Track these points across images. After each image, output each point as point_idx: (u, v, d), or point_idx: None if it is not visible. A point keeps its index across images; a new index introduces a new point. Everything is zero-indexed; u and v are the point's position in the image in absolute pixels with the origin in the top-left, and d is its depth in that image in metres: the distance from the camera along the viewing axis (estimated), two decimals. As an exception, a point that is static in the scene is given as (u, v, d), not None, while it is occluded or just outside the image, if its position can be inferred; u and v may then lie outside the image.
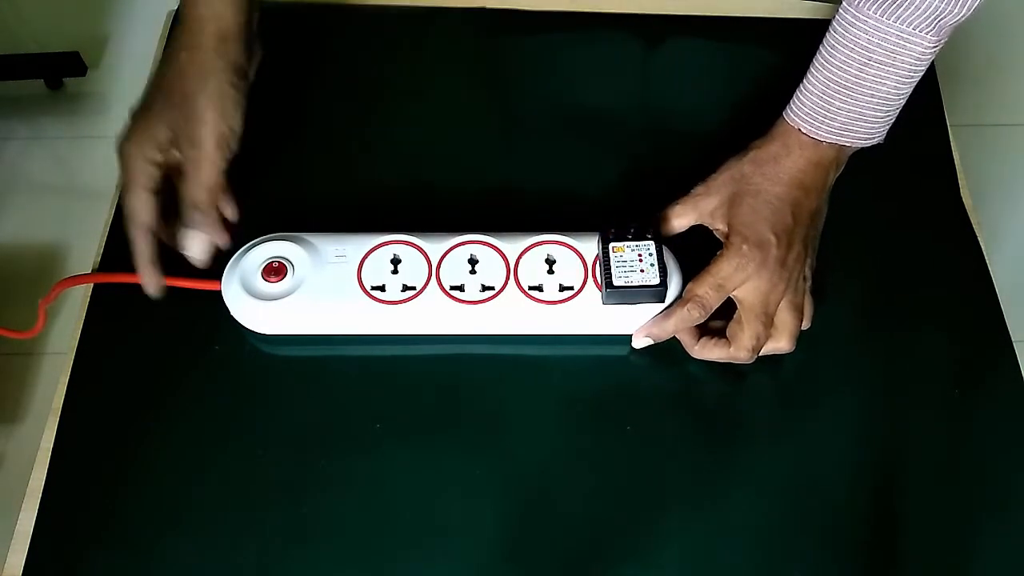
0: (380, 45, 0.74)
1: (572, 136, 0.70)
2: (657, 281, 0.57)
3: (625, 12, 0.76)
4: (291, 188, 0.67)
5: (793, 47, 0.65)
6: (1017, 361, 0.61)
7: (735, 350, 0.58)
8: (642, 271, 0.57)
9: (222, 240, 0.58)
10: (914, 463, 0.58)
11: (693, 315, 0.57)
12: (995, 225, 1.43)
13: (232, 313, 0.59)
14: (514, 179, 0.67)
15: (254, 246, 0.60)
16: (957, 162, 0.70)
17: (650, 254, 0.58)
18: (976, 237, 0.66)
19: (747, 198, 0.58)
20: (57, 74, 1.58)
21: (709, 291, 0.57)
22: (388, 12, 0.76)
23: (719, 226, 0.59)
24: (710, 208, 0.59)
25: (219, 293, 0.59)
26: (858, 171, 0.61)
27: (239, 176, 0.60)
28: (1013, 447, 0.59)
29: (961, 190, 0.69)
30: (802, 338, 0.61)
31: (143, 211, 0.57)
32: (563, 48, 0.75)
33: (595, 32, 0.75)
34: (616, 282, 0.57)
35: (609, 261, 0.58)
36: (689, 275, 0.59)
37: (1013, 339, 0.62)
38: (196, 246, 0.57)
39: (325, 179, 0.67)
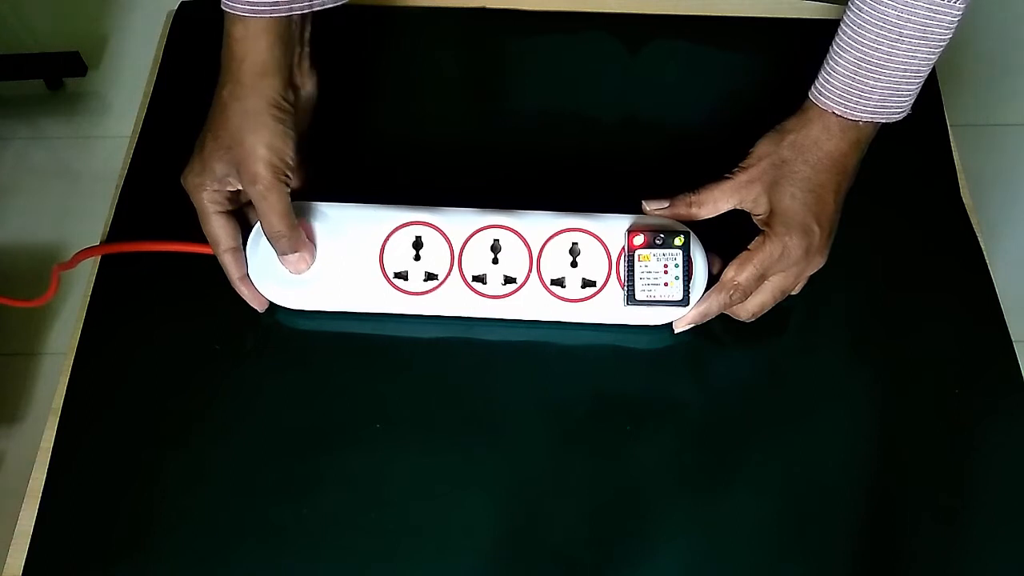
0: (381, 44, 0.74)
1: (572, 135, 0.70)
2: (680, 296, 0.57)
3: (625, 12, 0.76)
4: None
5: (793, 47, 0.65)
6: (1017, 361, 0.61)
7: (739, 308, 0.59)
8: (666, 284, 0.57)
9: (312, 253, 0.59)
10: (914, 463, 0.58)
11: (734, 300, 0.58)
12: (995, 225, 1.43)
13: (254, 284, 0.60)
14: (513, 168, 0.68)
15: None
16: (957, 162, 0.70)
17: (676, 265, 0.57)
18: (976, 237, 0.66)
19: (789, 186, 0.58)
20: (57, 74, 1.58)
21: (751, 279, 0.57)
22: (389, 12, 0.76)
23: (759, 212, 0.59)
24: (753, 195, 0.59)
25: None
26: (859, 171, 0.61)
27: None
28: (1013, 447, 0.59)
29: (961, 190, 0.69)
30: (803, 338, 0.61)
31: (224, 235, 0.59)
32: (563, 48, 0.75)
33: (595, 32, 0.75)
34: (639, 296, 0.57)
35: (633, 270, 0.58)
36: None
37: (1013, 339, 0.62)
38: (295, 266, 0.59)
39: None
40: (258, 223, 0.59)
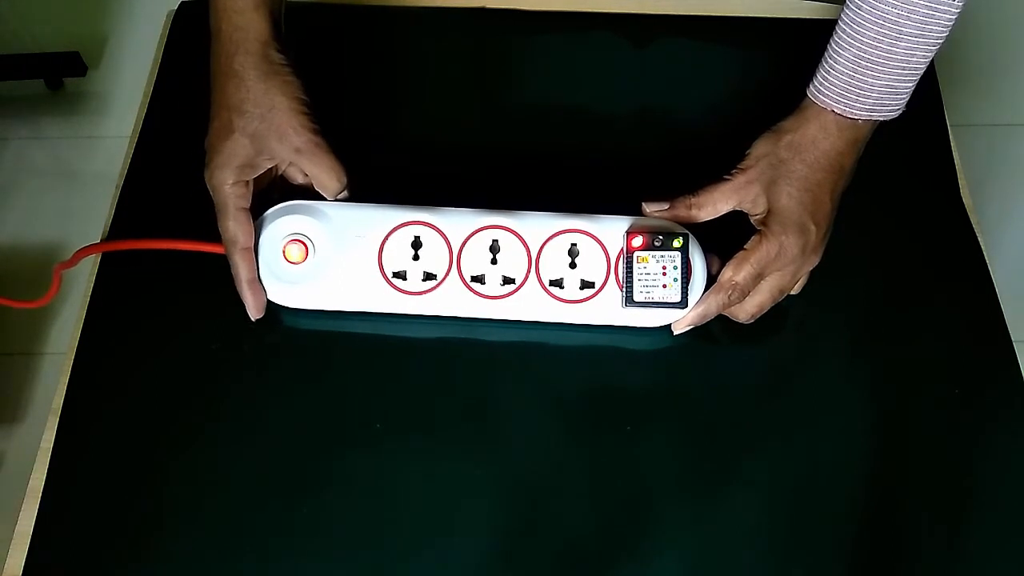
0: (380, 44, 0.74)
1: (571, 135, 0.70)
2: (679, 298, 0.57)
3: (625, 12, 0.76)
4: None
5: (793, 47, 0.65)
6: (1017, 361, 0.61)
7: (738, 309, 0.59)
8: (664, 286, 0.57)
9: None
10: (914, 463, 0.58)
11: (732, 300, 0.58)
12: (995, 225, 1.43)
13: None
14: (512, 168, 0.68)
15: (277, 216, 0.60)
16: (957, 162, 0.70)
17: (675, 267, 0.57)
18: (976, 237, 0.66)
19: (786, 185, 0.58)
20: (57, 74, 1.57)
21: (748, 278, 0.57)
22: (389, 12, 0.76)
23: (758, 212, 0.59)
24: (752, 196, 0.59)
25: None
26: (858, 171, 0.61)
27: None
28: (1013, 447, 0.59)
29: (961, 190, 0.69)
30: (802, 339, 0.61)
31: (242, 233, 0.58)
32: (563, 48, 0.75)
33: (595, 32, 0.75)
34: (637, 297, 0.57)
35: (632, 272, 0.58)
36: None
37: (1013, 339, 0.62)
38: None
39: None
40: (259, 221, 0.59)
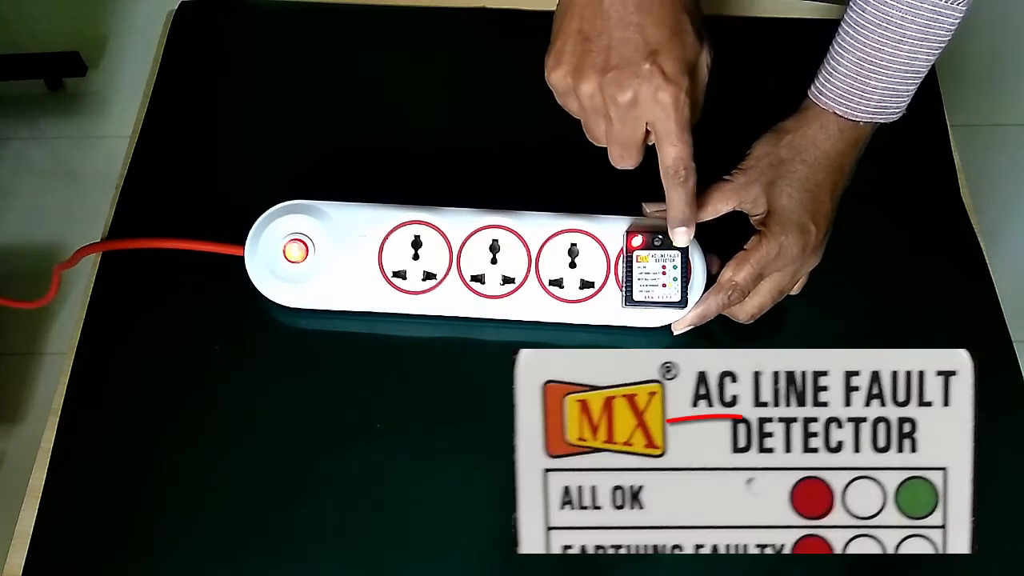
0: (381, 44, 0.74)
1: (572, 136, 0.70)
2: (678, 298, 0.57)
3: (625, 12, 0.76)
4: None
5: (793, 47, 0.65)
6: (1017, 361, 0.61)
7: (738, 310, 0.59)
8: (664, 285, 0.57)
9: None
10: (914, 463, 0.58)
11: (732, 300, 0.58)
12: (995, 225, 1.43)
13: (253, 282, 0.59)
14: (512, 168, 0.67)
15: (276, 215, 0.59)
16: (957, 162, 0.70)
17: (675, 267, 0.57)
18: (976, 237, 0.66)
19: (786, 185, 0.58)
20: (57, 74, 1.58)
21: (748, 278, 0.57)
22: (389, 12, 0.76)
23: (758, 212, 0.59)
24: (752, 196, 0.59)
25: (234, 260, 0.60)
26: (858, 171, 0.61)
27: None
28: (1013, 447, 0.59)
29: (961, 190, 0.69)
30: (802, 339, 0.61)
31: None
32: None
33: (595, 32, 0.75)
34: (636, 296, 0.57)
35: (631, 272, 0.58)
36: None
37: (1013, 339, 0.62)
38: None
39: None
40: (259, 221, 0.59)
